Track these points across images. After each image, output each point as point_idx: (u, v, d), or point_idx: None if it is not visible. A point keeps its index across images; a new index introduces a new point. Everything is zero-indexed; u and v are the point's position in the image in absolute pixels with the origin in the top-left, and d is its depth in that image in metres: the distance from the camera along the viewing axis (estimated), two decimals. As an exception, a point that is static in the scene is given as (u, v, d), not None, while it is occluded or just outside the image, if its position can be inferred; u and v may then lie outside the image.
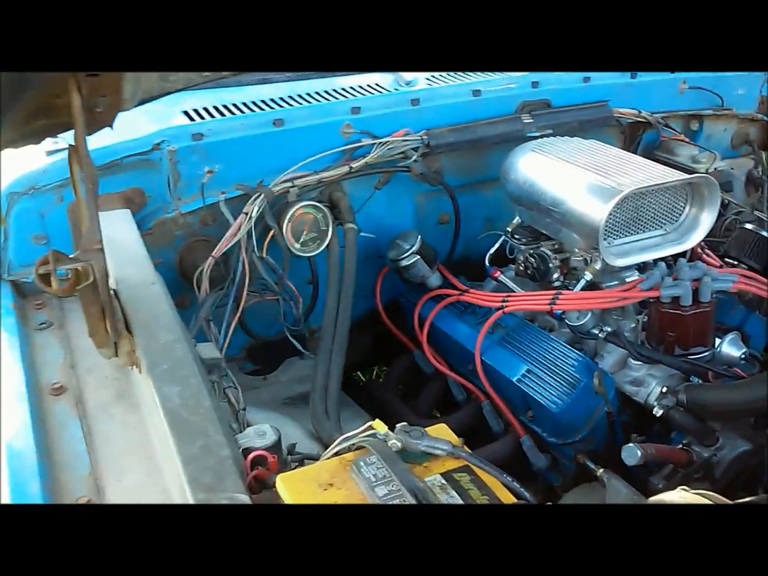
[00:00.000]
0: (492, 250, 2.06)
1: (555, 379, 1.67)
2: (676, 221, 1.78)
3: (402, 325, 2.17)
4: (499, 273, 2.00)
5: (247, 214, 1.77)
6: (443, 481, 1.05)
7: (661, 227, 1.78)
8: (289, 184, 1.84)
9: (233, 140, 1.85)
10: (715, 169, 2.36)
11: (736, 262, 1.98)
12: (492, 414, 1.87)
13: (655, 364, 1.66)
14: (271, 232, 1.80)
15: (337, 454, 1.13)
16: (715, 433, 1.61)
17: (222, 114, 1.91)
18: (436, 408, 2.18)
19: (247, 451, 1.20)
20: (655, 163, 1.82)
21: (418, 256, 1.98)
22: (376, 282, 2.16)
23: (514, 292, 1.93)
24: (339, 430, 1.55)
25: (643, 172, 1.71)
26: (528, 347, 1.77)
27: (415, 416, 2.02)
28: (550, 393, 1.65)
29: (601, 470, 1.60)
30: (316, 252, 1.90)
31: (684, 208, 1.77)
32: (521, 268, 1.93)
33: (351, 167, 1.91)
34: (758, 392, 1.48)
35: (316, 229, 1.88)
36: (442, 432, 1.16)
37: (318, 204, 1.87)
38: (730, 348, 1.67)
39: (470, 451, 1.10)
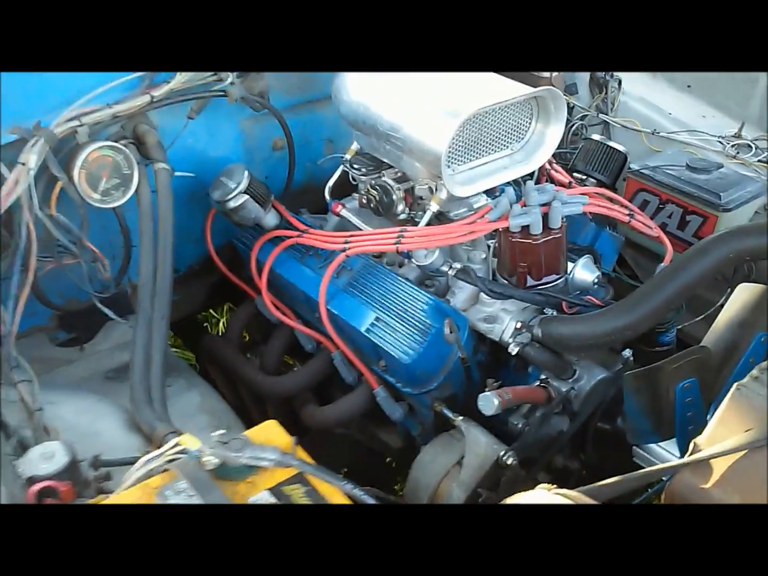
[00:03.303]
0: (331, 182, 1.85)
1: (405, 327, 1.52)
2: (522, 139, 1.64)
3: (242, 269, 1.94)
4: (340, 207, 1.80)
5: (24, 164, 1.44)
6: (272, 499, 0.88)
7: (507, 147, 1.63)
8: (76, 122, 1.51)
9: (-7, 71, 1.47)
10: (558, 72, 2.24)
11: (584, 176, 1.90)
12: (343, 364, 1.72)
13: (507, 299, 1.55)
14: (60, 184, 1.48)
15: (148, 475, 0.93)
16: (572, 366, 1.54)
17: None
18: (288, 356, 2.02)
19: (33, 480, 0.98)
20: (494, 75, 1.65)
21: (247, 196, 1.73)
22: (206, 224, 1.91)
23: (357, 228, 1.74)
24: (165, 416, 1.34)
25: (483, 89, 1.54)
26: (376, 292, 1.61)
27: (261, 373, 1.85)
28: (401, 342, 1.51)
29: (460, 418, 1.51)
30: (122, 200, 1.60)
31: (529, 124, 1.63)
32: (364, 201, 1.74)
33: (153, 96, 1.59)
34: (612, 323, 1.41)
35: (118, 174, 1.58)
36: (270, 432, 0.98)
37: (116, 144, 1.56)
38: (583, 273, 1.59)
39: (304, 457, 0.93)
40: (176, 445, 0.91)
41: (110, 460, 1.11)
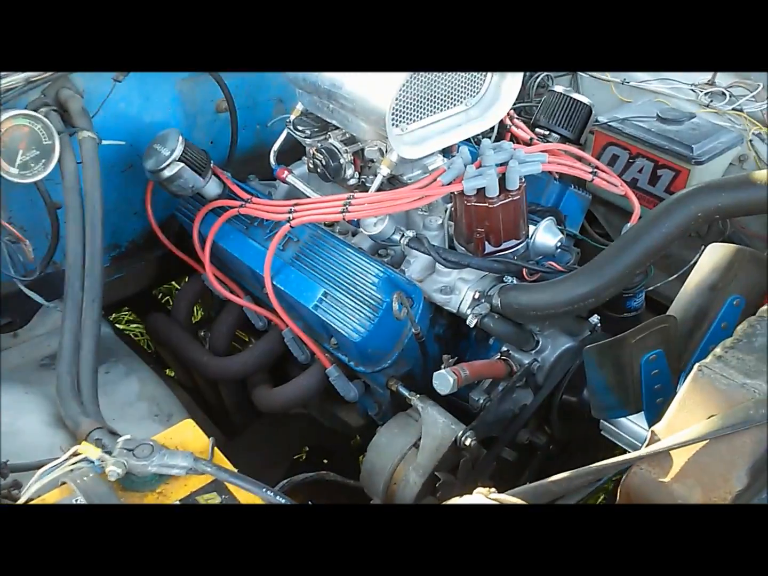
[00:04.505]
0: (276, 145, 1.72)
1: (355, 302, 1.42)
2: (477, 94, 1.52)
3: (188, 243, 1.82)
4: (287, 173, 1.67)
5: (-75, 138, 1.31)
6: (184, 512, 0.78)
7: (461, 102, 1.51)
8: (-16, 89, 1.37)
9: None
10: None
11: (547, 132, 1.78)
12: (294, 342, 1.61)
13: (463, 267, 1.45)
14: (-32, 159, 1.35)
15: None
16: (535, 336, 1.45)
17: None
18: (243, 332, 1.91)
19: None
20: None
21: (183, 163, 1.60)
22: (146, 196, 1.78)
23: (305, 196, 1.62)
24: (93, 409, 1.23)
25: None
26: (324, 264, 1.50)
27: (208, 354, 1.74)
28: (351, 319, 1.40)
29: (416, 397, 1.42)
30: (43, 174, 1.46)
31: (484, 77, 1.50)
32: (311, 165, 1.62)
33: (70, 58, 1.45)
34: (574, 291, 1.31)
35: (37, 145, 1.44)
36: (186, 433, 0.88)
37: (32, 112, 1.42)
38: (545, 236, 1.48)
39: (221, 462, 0.83)
40: (75, 454, 0.81)
41: (22, 465, 1.01)
